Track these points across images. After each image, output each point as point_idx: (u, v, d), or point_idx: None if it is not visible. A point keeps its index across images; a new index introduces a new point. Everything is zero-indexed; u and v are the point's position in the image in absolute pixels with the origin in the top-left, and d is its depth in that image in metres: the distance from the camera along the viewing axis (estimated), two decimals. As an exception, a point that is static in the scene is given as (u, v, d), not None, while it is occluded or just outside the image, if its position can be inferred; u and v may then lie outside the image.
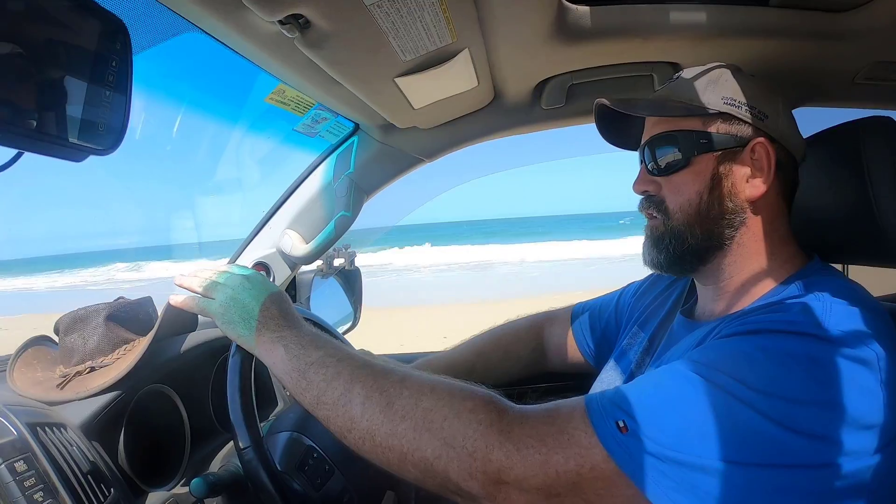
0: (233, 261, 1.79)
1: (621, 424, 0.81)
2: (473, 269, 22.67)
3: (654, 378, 0.87)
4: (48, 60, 0.63)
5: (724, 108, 1.03)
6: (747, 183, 1.03)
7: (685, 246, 1.06)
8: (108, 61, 0.69)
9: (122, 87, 0.70)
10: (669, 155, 1.07)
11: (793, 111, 1.63)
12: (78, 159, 0.70)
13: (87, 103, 0.67)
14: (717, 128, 1.04)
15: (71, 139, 0.65)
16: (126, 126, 0.72)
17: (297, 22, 0.93)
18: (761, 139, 1.03)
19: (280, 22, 0.92)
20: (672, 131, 1.07)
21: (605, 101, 1.10)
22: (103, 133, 0.70)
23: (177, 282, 1.14)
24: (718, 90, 1.05)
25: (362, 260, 2.02)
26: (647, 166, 1.11)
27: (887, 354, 0.82)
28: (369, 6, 0.93)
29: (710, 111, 1.04)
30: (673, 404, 0.81)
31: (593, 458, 0.81)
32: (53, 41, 0.63)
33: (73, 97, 0.65)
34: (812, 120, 1.55)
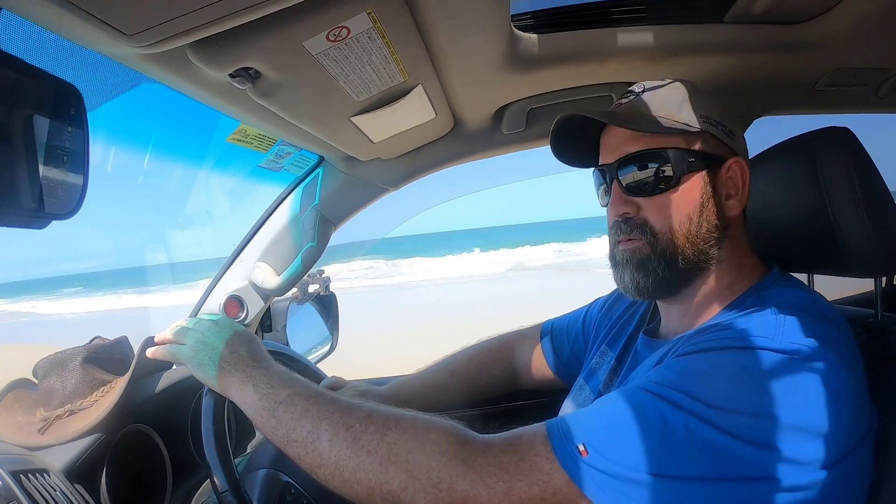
0: (206, 295, 1.80)
1: (581, 448, 0.83)
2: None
3: (613, 400, 0.88)
4: (1, 133, 0.64)
5: (704, 126, 1.02)
6: (727, 201, 1.04)
7: (675, 269, 1.03)
8: (64, 127, 0.70)
9: (80, 151, 0.71)
10: (656, 174, 1.02)
11: (755, 121, 1.67)
12: (40, 226, 0.70)
13: (44, 172, 0.67)
14: (699, 146, 1.02)
15: (31, 208, 0.66)
16: (86, 188, 0.72)
17: (248, 74, 0.96)
18: (737, 157, 1.04)
19: (230, 75, 0.94)
20: (658, 149, 1.03)
21: (579, 112, 1.06)
22: (63, 198, 0.70)
23: (156, 339, 1.16)
24: (695, 108, 1.03)
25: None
26: (622, 186, 1.05)
27: (841, 364, 0.83)
28: (316, 55, 0.95)
29: (694, 129, 1.02)
30: (631, 425, 0.82)
31: (555, 482, 0.83)
32: (6, 113, 0.64)
33: (30, 167, 0.66)
34: (775, 127, 1.58)
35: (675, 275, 1.03)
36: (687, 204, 1.02)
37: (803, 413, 0.78)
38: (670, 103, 1.05)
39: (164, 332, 1.15)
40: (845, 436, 0.80)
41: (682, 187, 1.02)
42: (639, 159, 1.04)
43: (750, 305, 0.97)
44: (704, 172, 1.02)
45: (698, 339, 0.91)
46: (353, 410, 0.97)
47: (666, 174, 1.02)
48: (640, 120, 1.05)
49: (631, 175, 1.05)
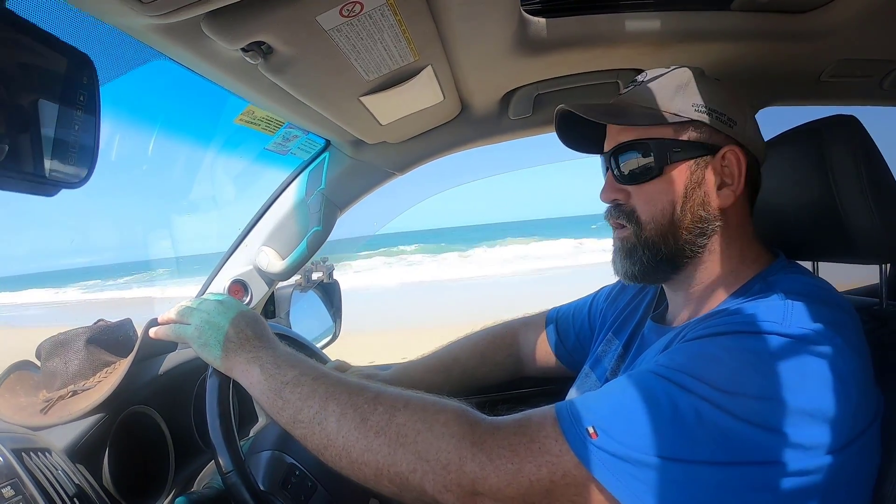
0: (210, 279, 1.80)
1: (591, 430, 0.83)
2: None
3: (622, 383, 0.88)
4: (14, 98, 0.63)
5: (695, 116, 1.02)
6: (719, 191, 1.03)
7: (659, 256, 1.05)
8: (76, 96, 0.70)
9: (91, 120, 0.71)
10: (641, 163, 1.05)
11: (760, 111, 1.67)
12: (50, 194, 0.70)
13: (56, 139, 0.67)
14: (688, 135, 1.03)
15: (41, 174, 0.66)
16: (96, 158, 0.72)
17: (260, 49, 0.95)
18: (732, 147, 1.03)
19: (243, 49, 0.94)
20: (643, 139, 1.05)
21: (567, 107, 1.09)
22: (74, 166, 0.70)
23: (159, 319, 1.15)
24: (688, 96, 1.03)
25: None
26: (614, 174, 1.09)
27: (849, 349, 0.83)
28: (329, 31, 0.95)
29: (681, 119, 1.03)
30: (641, 408, 0.82)
31: (565, 465, 0.83)
32: (19, 79, 0.64)
33: (41, 133, 0.66)
34: (779, 118, 1.58)
35: (660, 262, 1.06)
36: (670, 193, 1.04)
37: (812, 397, 0.79)
38: (663, 93, 1.05)
39: (168, 313, 1.13)
40: (853, 420, 0.80)
41: (666, 177, 1.04)
42: (626, 149, 1.07)
43: (757, 291, 0.97)
44: (692, 162, 1.03)
45: (707, 323, 0.91)
46: (361, 391, 0.96)
47: (649, 164, 1.04)
48: (629, 112, 1.07)
49: (621, 164, 1.08)
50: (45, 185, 0.68)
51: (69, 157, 0.70)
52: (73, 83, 0.70)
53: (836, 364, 0.81)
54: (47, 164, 0.67)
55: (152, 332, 1.15)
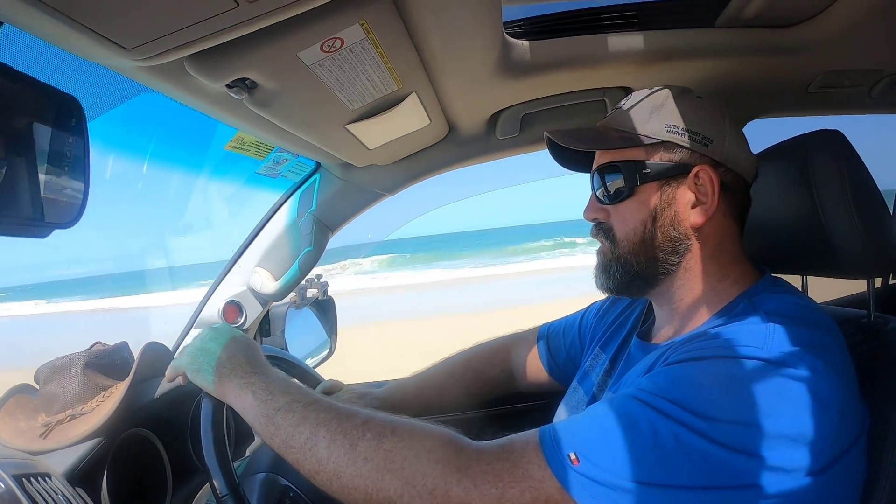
0: (205, 299, 1.81)
1: (573, 456, 0.84)
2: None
3: (604, 408, 0.89)
4: (3, 145, 0.65)
5: (667, 137, 1.04)
6: (692, 210, 1.04)
7: (631, 273, 1.08)
8: (65, 138, 0.72)
9: (81, 161, 0.73)
10: (615, 185, 1.08)
11: (748, 123, 1.67)
12: (42, 235, 0.71)
13: (46, 182, 0.69)
14: (659, 156, 1.05)
15: (34, 217, 0.68)
16: (87, 197, 0.74)
17: (244, 84, 0.97)
18: (704, 165, 1.03)
19: (227, 86, 0.96)
20: (616, 161, 1.08)
21: (548, 133, 1.12)
22: (65, 207, 0.72)
23: None
24: (661, 118, 1.05)
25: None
26: (596, 194, 1.13)
27: (830, 371, 0.83)
28: (311, 66, 0.96)
29: (652, 140, 1.05)
30: (622, 434, 0.83)
31: (547, 490, 0.84)
32: (8, 126, 0.66)
33: (32, 178, 0.67)
34: (770, 130, 1.59)
35: (632, 278, 1.10)
36: (641, 213, 1.07)
37: (792, 422, 0.80)
38: (639, 116, 1.08)
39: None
40: (834, 442, 0.81)
41: (637, 197, 1.07)
42: (601, 171, 1.12)
43: (741, 312, 0.98)
44: (661, 182, 1.06)
45: (689, 346, 0.93)
46: (350, 417, 0.98)
47: (619, 186, 1.09)
48: (603, 136, 1.11)
49: (600, 185, 1.12)
50: (36, 228, 0.70)
51: (60, 199, 0.71)
52: (62, 125, 0.71)
53: (817, 388, 0.81)
54: (38, 205, 0.68)
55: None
